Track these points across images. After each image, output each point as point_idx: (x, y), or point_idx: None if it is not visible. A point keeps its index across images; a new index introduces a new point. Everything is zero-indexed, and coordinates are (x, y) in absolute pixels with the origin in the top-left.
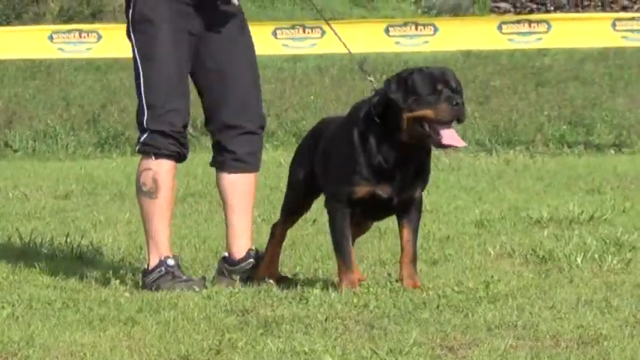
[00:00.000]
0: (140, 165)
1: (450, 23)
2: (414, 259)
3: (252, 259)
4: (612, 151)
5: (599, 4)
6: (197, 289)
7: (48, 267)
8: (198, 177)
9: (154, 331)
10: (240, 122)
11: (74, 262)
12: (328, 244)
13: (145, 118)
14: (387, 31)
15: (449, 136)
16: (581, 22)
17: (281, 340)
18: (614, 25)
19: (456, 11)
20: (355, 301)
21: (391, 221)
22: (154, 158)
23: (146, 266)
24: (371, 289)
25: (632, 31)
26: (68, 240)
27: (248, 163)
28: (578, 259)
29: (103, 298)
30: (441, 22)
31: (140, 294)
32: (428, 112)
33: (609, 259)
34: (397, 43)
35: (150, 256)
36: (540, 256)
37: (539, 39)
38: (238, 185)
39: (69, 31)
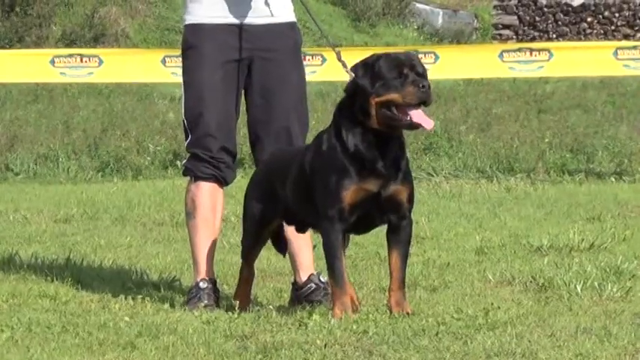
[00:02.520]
0: (186, 187)
1: (450, 51)
2: (402, 286)
3: (312, 284)
4: (613, 179)
5: (602, 32)
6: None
7: (48, 291)
8: None
9: (153, 356)
10: None
11: (74, 286)
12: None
13: (187, 142)
14: None
15: (417, 115)
16: (582, 50)
17: None
18: (615, 53)
19: (458, 37)
20: (354, 327)
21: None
22: (193, 180)
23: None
24: (370, 315)
25: (633, 59)
26: (68, 264)
27: None
28: (578, 287)
29: (103, 323)
30: (442, 49)
31: (140, 318)
32: (395, 96)
33: (609, 288)
34: None
35: (194, 275)
36: (540, 284)
37: (541, 67)
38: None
39: (70, 56)
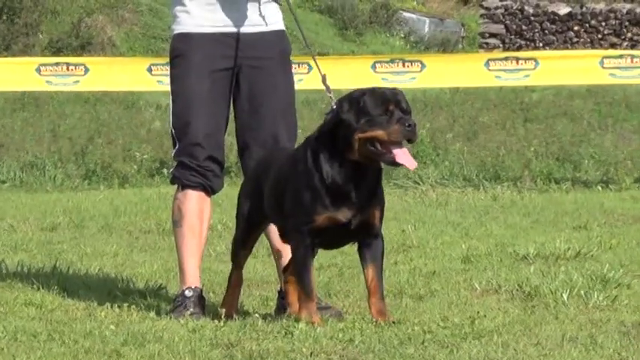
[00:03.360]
0: (174, 196)
1: (437, 60)
2: (381, 297)
3: None
4: (599, 188)
5: (588, 41)
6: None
7: (34, 299)
8: None
9: None
10: None
11: (60, 294)
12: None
13: (174, 150)
14: (373, 67)
15: (401, 154)
16: (569, 59)
17: None
18: (602, 62)
19: (444, 46)
20: (340, 336)
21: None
22: (180, 189)
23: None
24: (356, 324)
25: (619, 68)
26: (54, 272)
27: None
28: (564, 296)
29: (89, 331)
30: (428, 58)
31: (125, 327)
32: (380, 133)
33: (595, 296)
34: (384, 79)
35: (180, 283)
36: (526, 292)
37: (527, 76)
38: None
39: (56, 64)
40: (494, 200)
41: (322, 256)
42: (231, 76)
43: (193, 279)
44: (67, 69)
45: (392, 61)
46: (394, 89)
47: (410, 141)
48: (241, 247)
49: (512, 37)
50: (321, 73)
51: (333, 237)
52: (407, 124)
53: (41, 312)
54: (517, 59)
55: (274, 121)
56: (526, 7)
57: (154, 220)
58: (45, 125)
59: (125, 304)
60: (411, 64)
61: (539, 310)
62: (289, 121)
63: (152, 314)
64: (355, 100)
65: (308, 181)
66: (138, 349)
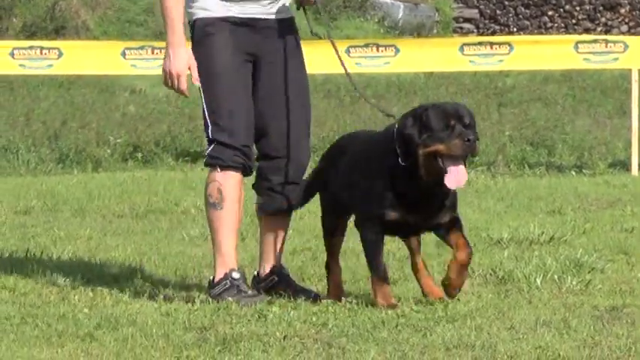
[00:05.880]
0: (208, 177)
1: (411, 44)
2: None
3: (274, 277)
4: (573, 173)
5: (563, 25)
6: (259, 305)
7: (7, 282)
8: (160, 194)
9: (112, 347)
10: (278, 154)
11: (33, 278)
12: (289, 262)
13: (210, 130)
14: (347, 51)
15: (452, 173)
16: (543, 44)
17: (239, 357)
18: (576, 47)
19: (419, 31)
20: (314, 319)
21: (350, 241)
22: (219, 170)
23: (212, 278)
24: (330, 307)
25: (593, 53)
26: (28, 256)
27: (282, 195)
28: (538, 280)
29: (62, 314)
30: (403, 43)
31: (99, 310)
32: (440, 147)
33: (569, 281)
34: (358, 64)
35: (216, 268)
36: (500, 277)
37: (501, 60)
38: (272, 217)
39: (30, 48)
40: (468, 185)
41: (296, 240)
42: (252, 61)
43: (235, 261)
44: (41, 53)
45: (366, 45)
46: (458, 104)
47: (471, 155)
48: (330, 235)
49: (487, 21)
50: (346, 70)
51: (404, 230)
52: (466, 139)
53: (14, 295)
54: (491, 44)
55: (291, 108)
56: None
57: (128, 204)
58: (19, 109)
59: (98, 288)
60: (385, 49)
61: (512, 294)
62: (305, 106)
63: (125, 298)
64: (418, 115)
65: (382, 184)
66: (111, 333)
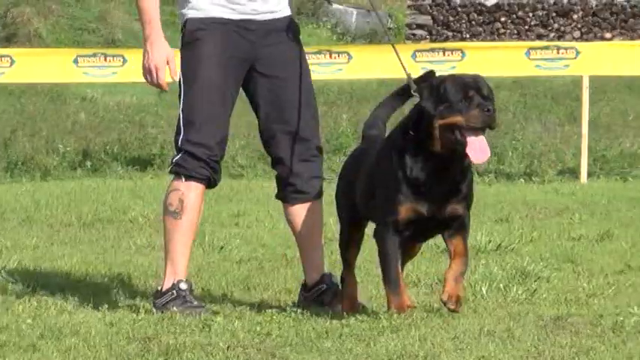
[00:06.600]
0: (170, 185)
1: (364, 50)
2: (456, 286)
3: (324, 285)
4: (523, 180)
5: (515, 32)
6: (203, 315)
7: None
8: (107, 203)
9: (55, 357)
10: (295, 153)
11: None
12: (235, 272)
13: (180, 138)
14: None
15: (474, 143)
16: (495, 50)
17: None
18: (528, 53)
19: (371, 37)
20: (258, 329)
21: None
22: (183, 180)
23: (159, 287)
24: (274, 317)
25: (545, 59)
26: None
27: (307, 193)
28: (484, 289)
29: (5, 325)
30: (355, 49)
31: (42, 320)
32: (458, 119)
33: (514, 290)
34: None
35: (165, 277)
36: None
37: (454, 67)
38: (302, 216)
39: None
40: None
41: (242, 250)
42: (245, 64)
43: (185, 271)
44: None
45: (319, 52)
46: (475, 75)
47: (490, 127)
48: (346, 247)
49: (440, 28)
50: (406, 71)
51: (420, 229)
52: (486, 109)
53: None
54: (444, 50)
55: (297, 109)
56: None
57: (75, 213)
58: None
59: (43, 298)
60: (338, 56)
61: None
62: (310, 105)
63: (70, 307)
64: (435, 87)
65: (391, 174)
66: (54, 343)
